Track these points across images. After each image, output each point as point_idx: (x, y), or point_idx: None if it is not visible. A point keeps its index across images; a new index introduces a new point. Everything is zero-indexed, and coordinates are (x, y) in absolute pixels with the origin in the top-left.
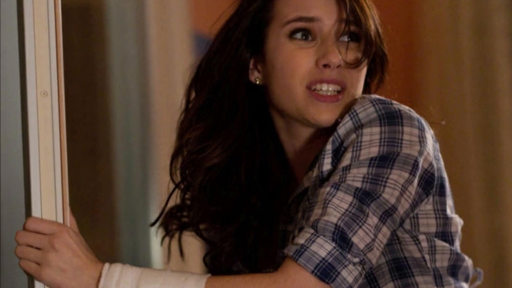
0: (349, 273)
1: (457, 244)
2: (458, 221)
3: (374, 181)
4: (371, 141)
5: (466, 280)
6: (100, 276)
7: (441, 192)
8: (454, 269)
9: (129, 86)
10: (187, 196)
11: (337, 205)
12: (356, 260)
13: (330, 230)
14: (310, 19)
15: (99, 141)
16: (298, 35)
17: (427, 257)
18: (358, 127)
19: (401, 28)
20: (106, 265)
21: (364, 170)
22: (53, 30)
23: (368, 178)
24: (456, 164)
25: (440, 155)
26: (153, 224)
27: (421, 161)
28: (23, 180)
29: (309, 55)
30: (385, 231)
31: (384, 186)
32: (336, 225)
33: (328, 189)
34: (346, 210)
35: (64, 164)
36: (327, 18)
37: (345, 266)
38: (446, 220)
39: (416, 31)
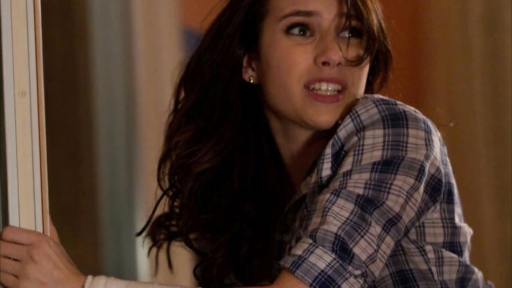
0: (350, 287)
1: (466, 255)
2: (467, 231)
3: (377, 187)
4: (374, 145)
5: None
6: None
7: (449, 200)
8: (463, 282)
9: (113, 85)
10: (176, 203)
11: (337, 213)
12: (358, 272)
13: (329, 240)
14: (308, 13)
15: (81, 144)
16: (295, 31)
17: (434, 269)
18: (360, 129)
19: (406, 23)
20: (89, 277)
21: (366, 176)
22: (32, 25)
23: (371, 184)
24: (465, 169)
25: (448, 159)
26: (139, 233)
27: (427, 166)
28: None
29: (307, 52)
30: (389, 241)
31: (388, 193)
32: (336, 234)
33: (327, 196)
34: (347, 219)
35: (43, 169)
36: (326, 12)
37: (346, 279)
38: (454, 230)
39: (422, 26)
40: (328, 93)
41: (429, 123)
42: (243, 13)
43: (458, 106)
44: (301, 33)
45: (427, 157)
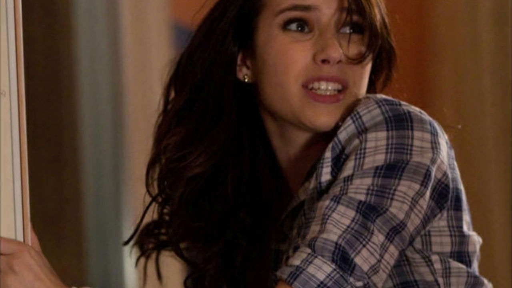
0: None
1: (475, 265)
2: (476, 240)
3: (380, 193)
4: (377, 148)
5: None
6: None
7: (457, 206)
8: None
9: (99, 85)
10: (165, 210)
11: (338, 221)
12: (360, 284)
13: (329, 250)
14: (306, 8)
15: (64, 147)
16: (293, 26)
17: (440, 280)
18: (362, 131)
19: (411, 18)
20: None
21: (368, 181)
22: (12, 20)
23: (373, 190)
24: (474, 174)
25: (455, 163)
26: (126, 242)
27: (433, 170)
28: None
29: (305, 49)
30: (393, 251)
31: (392, 199)
32: (336, 243)
33: (327, 202)
34: (348, 227)
35: (24, 174)
36: (326, 7)
37: None
38: (462, 238)
39: (428, 22)
40: (328, 93)
41: (436, 124)
42: (237, 8)
43: (467, 106)
44: (299, 28)
45: (433, 161)
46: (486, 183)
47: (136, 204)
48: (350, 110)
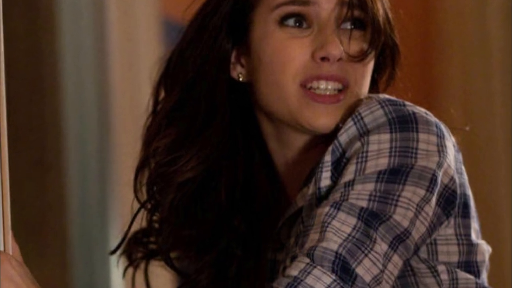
0: None
1: (484, 276)
2: (485, 248)
3: (383, 199)
4: (379, 151)
5: None
6: None
7: (465, 213)
8: None
9: (84, 84)
10: (155, 217)
11: (338, 229)
12: None
13: (329, 259)
14: (305, 2)
15: (48, 150)
16: (291, 22)
17: None
18: (364, 133)
19: (416, 13)
20: None
21: (370, 186)
22: None
23: (376, 196)
24: (483, 179)
25: (463, 167)
26: (113, 251)
27: (440, 175)
28: None
29: (304, 46)
30: (397, 261)
31: (395, 205)
32: (336, 253)
33: (327, 209)
34: (349, 235)
35: (4, 179)
36: (325, 1)
37: None
38: (470, 247)
39: (434, 17)
40: (328, 93)
41: (442, 126)
42: (231, 2)
43: (475, 107)
44: (297, 24)
45: (439, 165)
46: (495, 188)
47: (123, 210)
48: (351, 111)
